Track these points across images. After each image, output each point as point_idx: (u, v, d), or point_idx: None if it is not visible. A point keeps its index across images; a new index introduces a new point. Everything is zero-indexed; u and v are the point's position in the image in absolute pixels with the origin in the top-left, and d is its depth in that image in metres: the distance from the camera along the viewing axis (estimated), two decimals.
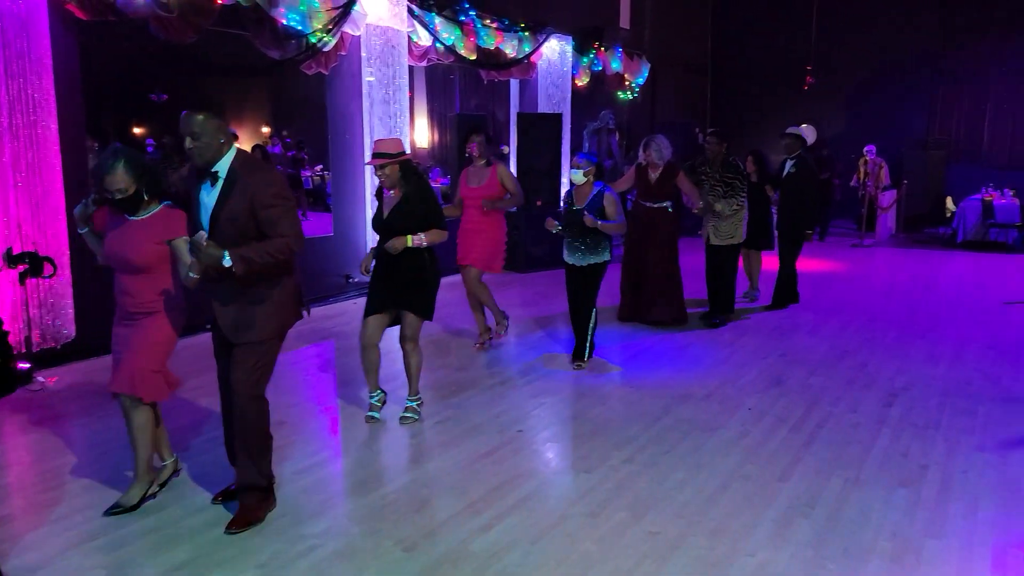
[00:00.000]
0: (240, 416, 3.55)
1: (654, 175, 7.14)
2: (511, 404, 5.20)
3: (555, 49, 11.26)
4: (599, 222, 5.60)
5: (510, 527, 3.52)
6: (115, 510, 3.64)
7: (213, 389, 3.86)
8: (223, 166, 3.39)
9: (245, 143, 12.49)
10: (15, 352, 5.37)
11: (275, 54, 7.10)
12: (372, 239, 4.76)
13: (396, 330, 4.83)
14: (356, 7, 7.63)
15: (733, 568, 3.19)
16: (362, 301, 5.35)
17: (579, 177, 5.75)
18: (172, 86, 12.88)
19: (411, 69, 9.25)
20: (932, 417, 4.92)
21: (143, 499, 3.72)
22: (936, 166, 14.61)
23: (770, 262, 8.52)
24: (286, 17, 6.96)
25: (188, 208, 3.55)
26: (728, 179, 7.15)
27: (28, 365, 5.50)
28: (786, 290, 8.09)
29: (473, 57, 9.52)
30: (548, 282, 9.32)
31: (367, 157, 7.44)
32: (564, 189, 11.27)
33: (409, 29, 8.63)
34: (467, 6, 9.35)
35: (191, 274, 3.34)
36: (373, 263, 4.75)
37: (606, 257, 5.86)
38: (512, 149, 11.06)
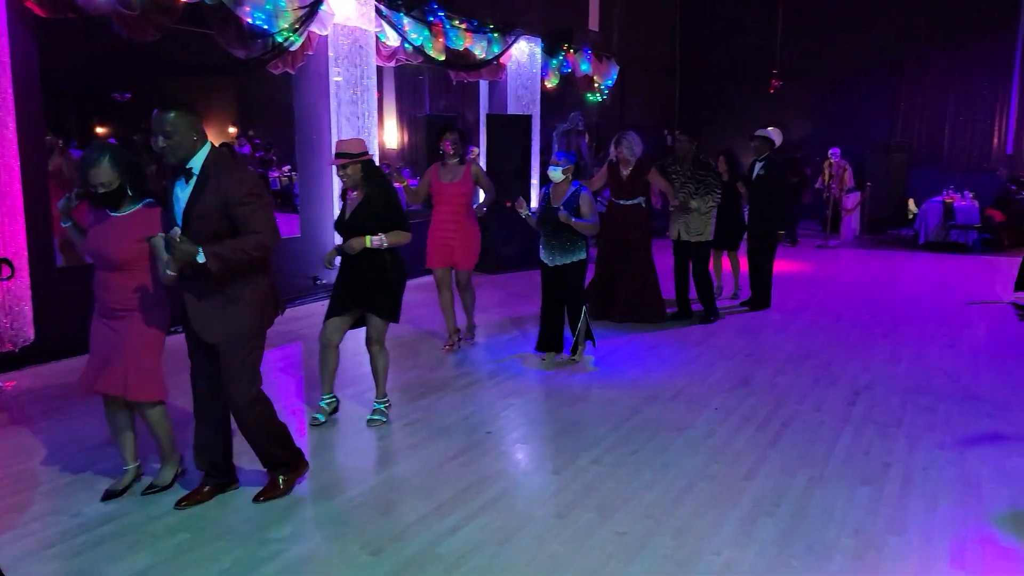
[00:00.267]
0: (240, 423, 3.64)
1: (625, 172, 7.20)
2: (480, 405, 5.19)
3: (524, 51, 11.27)
4: (573, 219, 5.63)
5: (478, 529, 3.51)
6: (151, 490, 3.80)
7: (185, 389, 3.84)
8: (197, 163, 3.39)
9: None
10: None
11: (241, 53, 7.01)
12: (339, 241, 4.72)
13: (363, 332, 4.80)
14: (323, 6, 7.56)
15: (699, 567, 3.21)
16: None
17: (558, 175, 5.77)
18: (136, 85, 12.66)
19: (380, 69, 9.20)
20: (894, 415, 5.00)
21: (175, 477, 3.89)
22: (898, 169, 14.89)
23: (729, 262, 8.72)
24: (252, 16, 6.88)
25: (165, 205, 3.54)
26: (700, 176, 7.25)
27: None
28: (764, 291, 8.22)
29: (442, 58, 9.49)
30: (519, 283, 9.32)
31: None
32: (535, 191, 11.32)
33: (377, 29, 8.58)
34: (436, 7, 9.32)
35: (168, 271, 3.34)
36: (338, 259, 4.70)
37: (583, 255, 5.89)
38: (482, 150, 11.05)
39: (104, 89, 13.00)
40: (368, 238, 4.47)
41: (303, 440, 4.62)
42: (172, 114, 3.32)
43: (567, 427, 4.81)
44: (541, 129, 11.92)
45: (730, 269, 8.70)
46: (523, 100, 11.44)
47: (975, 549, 3.36)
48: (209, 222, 3.35)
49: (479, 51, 10.16)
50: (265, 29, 7.06)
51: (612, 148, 7.29)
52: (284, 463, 3.80)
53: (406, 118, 16.85)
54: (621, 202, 7.28)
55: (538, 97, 11.76)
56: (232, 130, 16.57)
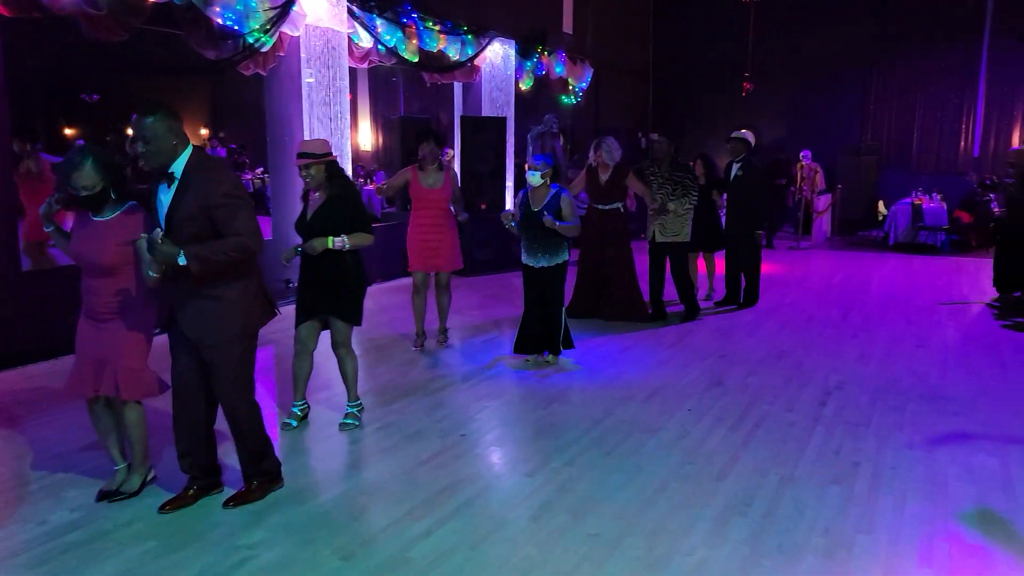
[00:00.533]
0: (231, 423, 3.66)
1: (604, 176, 7.26)
2: (454, 408, 5.17)
3: (499, 53, 11.27)
4: (557, 223, 5.64)
5: (450, 533, 3.49)
6: (117, 497, 3.74)
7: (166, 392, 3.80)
8: (178, 167, 3.38)
9: None
10: None
11: (211, 54, 6.93)
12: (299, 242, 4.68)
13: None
14: (295, 7, 7.50)
15: (671, 568, 3.22)
16: None
17: (536, 179, 5.78)
18: (104, 86, 12.51)
19: (353, 71, 9.15)
20: (864, 415, 5.05)
21: (143, 485, 3.83)
22: (868, 171, 15.10)
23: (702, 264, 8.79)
24: (222, 16, 6.81)
25: (149, 208, 3.54)
26: (678, 178, 7.32)
27: None
28: (749, 289, 8.35)
29: (416, 59, 9.46)
30: (494, 285, 9.31)
31: None
32: (509, 193, 11.32)
33: (350, 30, 8.53)
34: (409, 8, 9.28)
35: (151, 273, 3.35)
36: (297, 259, 4.65)
37: (564, 257, 5.94)
38: (456, 153, 11.03)
39: (72, 90, 12.83)
40: (330, 239, 4.43)
41: (275, 445, 4.56)
42: (151, 119, 3.31)
43: (541, 429, 4.81)
44: (516, 131, 11.93)
45: (705, 271, 8.77)
46: (498, 102, 11.44)
47: (942, 547, 3.39)
48: (192, 225, 3.35)
49: (453, 53, 10.14)
50: (236, 30, 6.99)
51: (591, 152, 7.36)
52: (265, 471, 3.80)
53: (380, 120, 16.80)
54: (600, 206, 7.35)
55: (512, 99, 11.77)
56: (204, 131, 16.42)
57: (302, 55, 7.99)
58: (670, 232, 7.41)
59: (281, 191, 8.41)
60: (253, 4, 7.06)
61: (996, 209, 12.33)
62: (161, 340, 3.68)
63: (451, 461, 4.30)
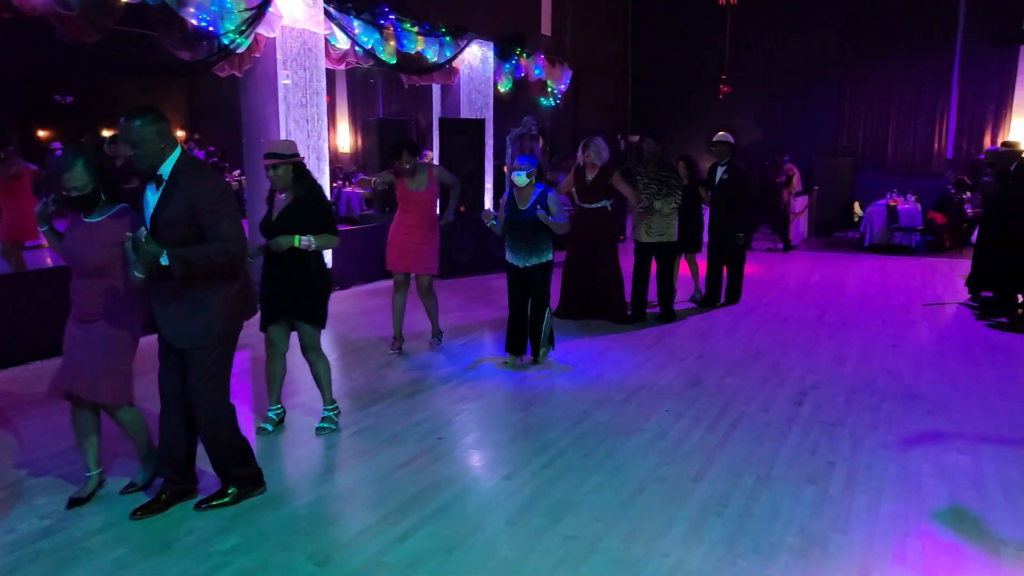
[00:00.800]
0: (201, 430, 3.64)
1: (591, 176, 7.33)
2: (432, 411, 5.15)
3: (477, 55, 11.26)
4: (550, 218, 5.72)
5: (427, 537, 3.48)
6: (130, 489, 3.84)
7: (152, 391, 3.79)
8: (166, 169, 3.38)
9: None
10: None
11: (185, 55, 6.86)
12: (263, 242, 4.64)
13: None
14: (270, 8, 7.45)
15: (648, 569, 3.22)
16: None
17: (522, 179, 5.85)
18: (78, 87, 12.36)
19: (331, 72, 9.10)
20: (839, 414, 5.09)
21: (153, 476, 3.88)
22: (844, 173, 15.26)
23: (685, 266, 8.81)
24: (197, 17, 6.74)
25: (138, 209, 3.55)
26: (663, 178, 7.38)
27: None
28: (732, 286, 8.44)
29: (394, 61, 9.42)
30: (472, 287, 9.29)
31: None
32: (488, 195, 11.32)
33: (327, 32, 8.49)
34: (386, 9, 9.25)
35: (136, 273, 3.35)
36: (260, 258, 4.62)
37: (550, 256, 5.99)
38: (435, 154, 11.01)
39: (46, 91, 12.67)
40: (297, 237, 4.40)
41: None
42: (137, 122, 3.32)
43: (519, 431, 4.80)
44: (495, 133, 11.92)
45: (689, 272, 8.80)
46: (476, 104, 11.43)
47: (916, 545, 3.43)
48: (177, 228, 3.36)
49: (431, 54, 10.12)
50: (210, 31, 6.93)
51: (579, 152, 7.46)
52: (239, 478, 3.78)
53: (359, 121, 16.73)
54: (586, 205, 7.42)
55: (491, 101, 11.77)
56: (180, 134, 16.27)
57: (278, 56, 7.93)
58: (655, 232, 7.46)
59: (257, 194, 8.33)
60: (228, 5, 7.00)
61: (969, 210, 12.52)
62: (149, 343, 3.65)
63: (428, 464, 4.28)
